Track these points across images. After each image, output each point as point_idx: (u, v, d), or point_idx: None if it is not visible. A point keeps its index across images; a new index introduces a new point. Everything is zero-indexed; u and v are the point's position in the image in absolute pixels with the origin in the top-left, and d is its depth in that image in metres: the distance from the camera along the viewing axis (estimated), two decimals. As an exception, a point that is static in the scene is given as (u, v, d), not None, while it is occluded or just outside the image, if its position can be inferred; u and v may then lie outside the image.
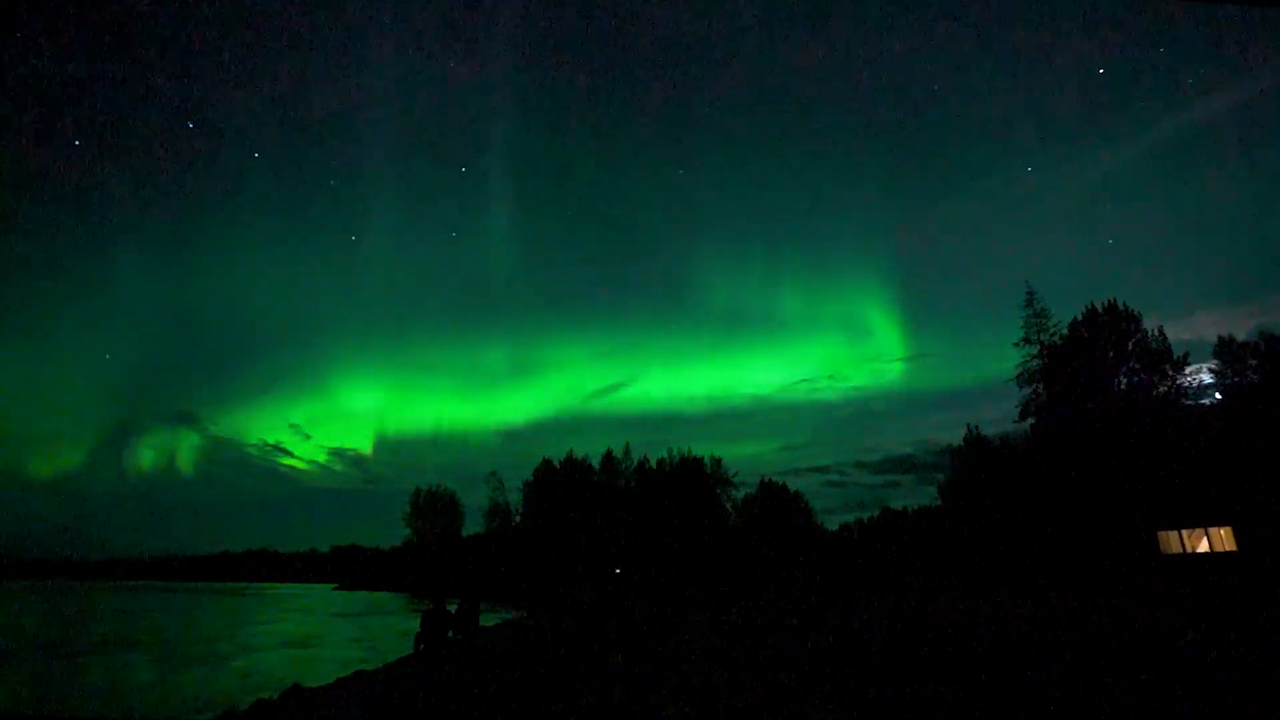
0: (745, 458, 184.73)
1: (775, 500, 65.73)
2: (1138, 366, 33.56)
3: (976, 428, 45.86)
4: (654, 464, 66.17)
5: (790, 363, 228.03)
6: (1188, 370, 33.01)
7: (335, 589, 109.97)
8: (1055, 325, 36.95)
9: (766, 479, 68.18)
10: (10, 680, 18.33)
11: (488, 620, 23.45)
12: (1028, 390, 36.76)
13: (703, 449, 75.44)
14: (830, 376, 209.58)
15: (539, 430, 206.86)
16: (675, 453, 65.51)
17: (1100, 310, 35.19)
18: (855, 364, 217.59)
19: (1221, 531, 26.87)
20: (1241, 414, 30.29)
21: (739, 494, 66.09)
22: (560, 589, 52.89)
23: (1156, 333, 33.92)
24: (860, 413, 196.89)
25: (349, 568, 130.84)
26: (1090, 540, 30.83)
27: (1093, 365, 34.13)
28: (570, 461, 68.57)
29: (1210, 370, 33.72)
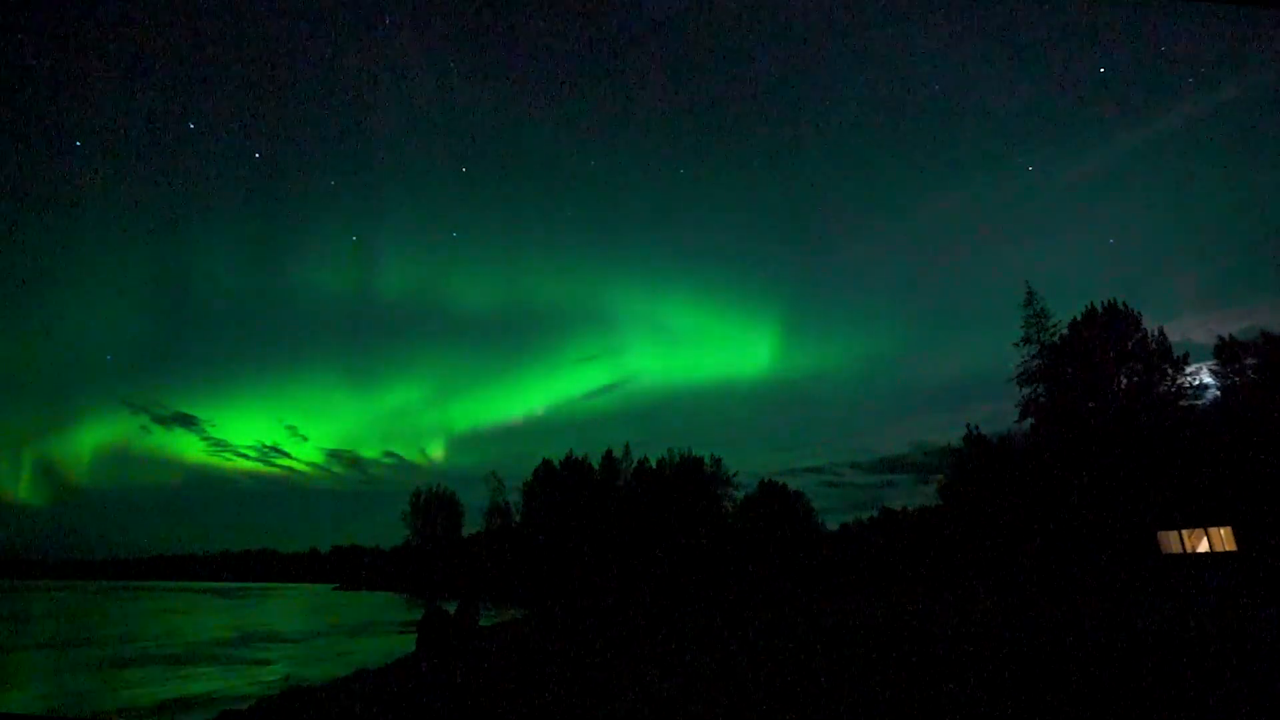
0: (739, 456, 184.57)
1: (775, 500, 65.58)
2: (1138, 366, 33.55)
3: (976, 427, 45.85)
4: (654, 464, 66.12)
5: (784, 362, 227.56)
6: (1188, 370, 33.02)
7: (335, 589, 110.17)
8: (1055, 325, 36.98)
9: (765, 479, 68.08)
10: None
11: (488, 620, 23.47)
12: (1028, 390, 36.74)
13: (700, 448, 75.10)
14: (822, 377, 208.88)
15: (539, 430, 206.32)
16: (675, 452, 65.49)
17: (1100, 310, 35.20)
18: (850, 363, 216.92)
19: (1221, 531, 26.86)
20: (1241, 414, 30.29)
21: (739, 494, 66.03)
22: (561, 589, 52.92)
23: (1156, 333, 33.98)
24: (855, 413, 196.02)
25: (349, 568, 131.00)
26: (1090, 540, 30.82)
27: (1093, 365, 34.11)
28: (570, 461, 68.56)
29: (1210, 370, 33.73)
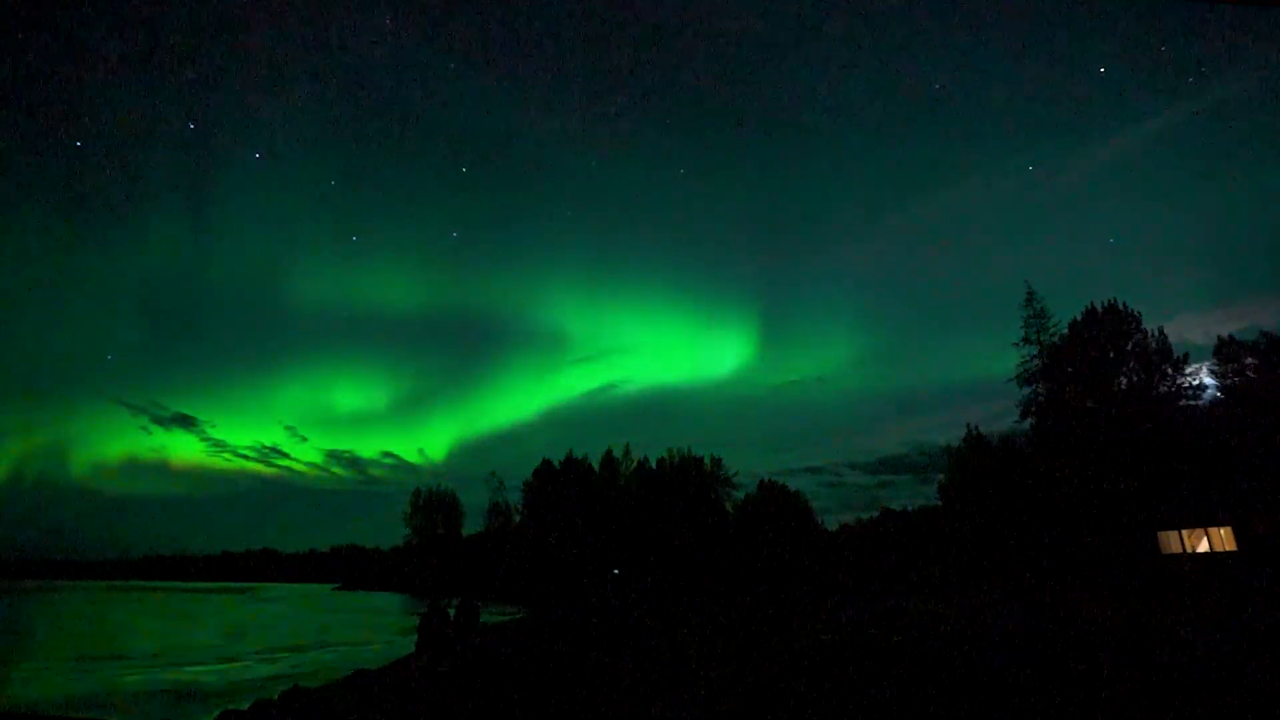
0: (739, 457, 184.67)
1: (775, 500, 65.56)
2: (1138, 366, 33.54)
3: (976, 427, 45.87)
4: (654, 464, 66.12)
5: (784, 362, 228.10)
6: (1188, 370, 33.01)
7: (335, 589, 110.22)
8: (1055, 325, 37.00)
9: (765, 479, 68.08)
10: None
11: (488, 619, 23.46)
12: (1028, 390, 36.77)
13: (700, 448, 75.10)
14: (820, 378, 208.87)
15: (538, 430, 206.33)
16: (675, 453, 65.47)
17: (1100, 310, 35.20)
18: (850, 363, 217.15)
19: (1221, 531, 26.85)
20: (1241, 414, 30.26)
21: (739, 494, 66.03)
22: (561, 589, 52.93)
23: (1156, 333, 33.98)
24: (853, 413, 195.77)
25: (349, 568, 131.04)
26: (1090, 540, 30.82)
27: (1093, 365, 34.11)
28: (570, 461, 68.50)
29: (1210, 370, 33.71)
